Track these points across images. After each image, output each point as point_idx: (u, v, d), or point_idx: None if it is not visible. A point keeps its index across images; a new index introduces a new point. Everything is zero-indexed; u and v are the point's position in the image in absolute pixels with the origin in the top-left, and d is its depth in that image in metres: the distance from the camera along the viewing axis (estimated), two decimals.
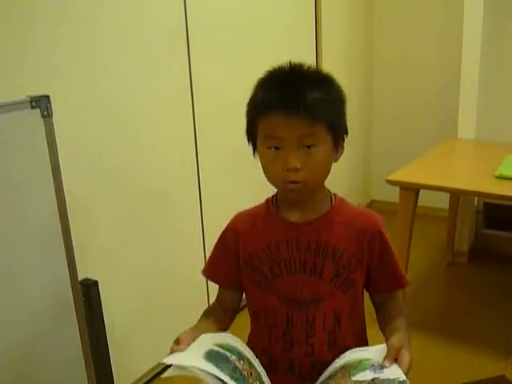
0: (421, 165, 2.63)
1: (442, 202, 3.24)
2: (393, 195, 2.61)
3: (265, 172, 1.04)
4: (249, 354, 0.99)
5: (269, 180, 1.05)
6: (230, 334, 1.02)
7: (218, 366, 0.88)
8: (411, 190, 2.43)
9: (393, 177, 2.46)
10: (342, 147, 1.06)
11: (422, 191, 2.46)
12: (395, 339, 0.96)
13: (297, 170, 0.98)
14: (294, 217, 1.08)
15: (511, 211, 3.03)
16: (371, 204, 4.15)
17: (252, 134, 1.06)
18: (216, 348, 0.94)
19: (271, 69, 1.05)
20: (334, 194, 1.12)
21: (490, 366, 2.25)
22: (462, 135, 3.08)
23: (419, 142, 3.60)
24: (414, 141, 3.76)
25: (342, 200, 1.13)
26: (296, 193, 1.02)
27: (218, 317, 1.16)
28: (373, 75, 3.99)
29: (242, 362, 0.94)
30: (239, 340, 1.01)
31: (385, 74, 3.94)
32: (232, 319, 1.20)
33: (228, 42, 2.46)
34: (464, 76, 3.03)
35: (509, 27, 3.27)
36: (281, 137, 0.98)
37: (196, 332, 1.01)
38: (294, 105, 0.96)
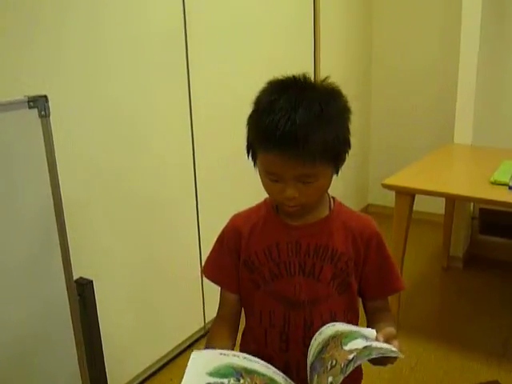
0: (417, 169, 2.64)
1: (438, 207, 3.26)
2: (389, 200, 2.62)
3: (264, 187, 1.05)
4: (249, 362, 0.93)
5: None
6: (221, 351, 0.95)
7: None
8: (407, 195, 2.44)
9: (389, 181, 2.46)
10: (344, 160, 1.02)
11: (417, 196, 2.46)
12: (388, 329, 0.94)
13: (294, 198, 0.98)
14: (294, 220, 1.09)
15: (506, 217, 3.05)
16: (367, 208, 4.16)
17: (252, 153, 1.03)
18: (210, 380, 0.87)
19: (277, 85, 0.99)
20: (333, 198, 1.13)
21: (483, 371, 2.26)
22: (459, 140, 3.10)
23: (416, 146, 3.63)
24: (410, 145, 3.78)
25: (340, 204, 1.14)
26: (294, 211, 1.03)
27: (225, 336, 1.12)
28: (371, 80, 4.00)
29: (241, 381, 0.88)
30: (236, 353, 0.95)
31: (382, 79, 3.96)
32: (237, 331, 1.16)
33: (226, 44, 2.46)
34: (461, 81, 3.04)
35: (506, 33, 3.30)
36: (279, 174, 0.97)
37: None
38: (295, 147, 0.91)
